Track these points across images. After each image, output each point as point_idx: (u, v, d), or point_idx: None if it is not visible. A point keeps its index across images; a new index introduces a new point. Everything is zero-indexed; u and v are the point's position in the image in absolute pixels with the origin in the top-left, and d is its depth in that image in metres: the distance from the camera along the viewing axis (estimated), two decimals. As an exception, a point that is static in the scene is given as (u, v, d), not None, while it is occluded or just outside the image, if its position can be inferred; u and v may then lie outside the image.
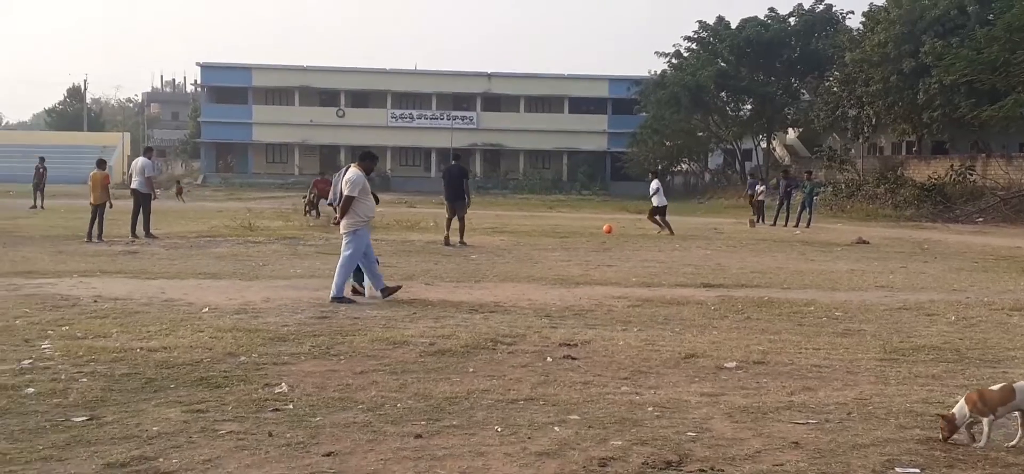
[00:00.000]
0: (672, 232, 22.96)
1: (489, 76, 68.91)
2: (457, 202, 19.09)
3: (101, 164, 19.67)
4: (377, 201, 11.12)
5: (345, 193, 10.49)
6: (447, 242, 18.49)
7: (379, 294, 10.61)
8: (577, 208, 42.00)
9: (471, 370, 6.88)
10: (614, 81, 68.42)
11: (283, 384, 6.23)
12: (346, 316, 9.27)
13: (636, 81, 62.10)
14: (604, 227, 24.67)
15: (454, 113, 67.53)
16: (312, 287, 11.56)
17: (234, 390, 6.05)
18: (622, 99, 65.67)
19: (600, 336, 8.41)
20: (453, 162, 20.81)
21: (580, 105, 69.23)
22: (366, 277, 10.80)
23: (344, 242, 10.64)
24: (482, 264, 15.13)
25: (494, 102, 69.25)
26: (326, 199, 27.81)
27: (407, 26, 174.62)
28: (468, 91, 68.68)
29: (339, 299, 10.24)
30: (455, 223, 19.11)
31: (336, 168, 59.51)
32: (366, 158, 11.05)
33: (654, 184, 24.09)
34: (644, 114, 59.96)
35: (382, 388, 6.24)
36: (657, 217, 23.61)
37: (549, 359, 7.36)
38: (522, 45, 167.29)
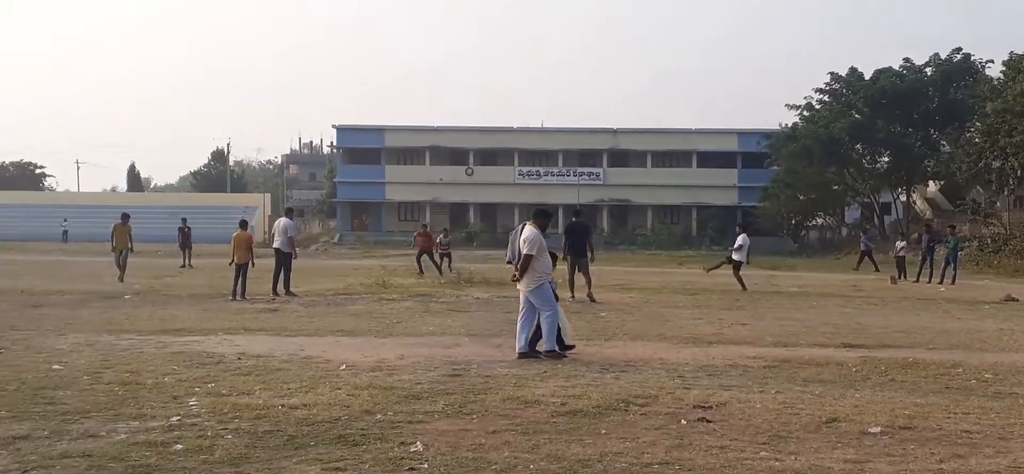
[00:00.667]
0: (744, 288, 22.28)
1: (615, 132, 69.04)
2: (581, 258, 19.14)
3: (243, 225, 20.46)
4: (554, 259, 11.11)
5: (524, 252, 10.56)
6: (572, 298, 18.44)
7: (519, 349, 10.65)
8: (705, 262, 41.36)
9: (603, 432, 6.82)
10: (743, 135, 67.56)
11: (418, 443, 6.30)
12: (478, 375, 9.33)
13: (766, 134, 61.09)
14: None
15: (581, 169, 67.81)
16: (444, 345, 11.71)
17: (371, 448, 6.16)
18: (752, 153, 64.66)
19: (736, 398, 8.22)
20: (575, 218, 20.87)
21: (708, 159, 68.53)
22: (519, 329, 10.82)
23: (532, 298, 10.62)
24: (612, 322, 15.04)
25: (621, 157, 69.24)
26: (430, 252, 28.29)
27: (534, 85, 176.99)
28: (594, 147, 68.91)
29: (552, 352, 10.42)
30: (580, 279, 19.12)
31: (463, 225, 59.83)
32: (540, 215, 11.12)
33: (740, 239, 23.64)
34: (775, 168, 58.88)
35: (515, 449, 6.24)
36: (735, 272, 23.22)
37: (683, 421, 7.23)
38: (648, 100, 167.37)
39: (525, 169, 68.62)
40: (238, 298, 18.48)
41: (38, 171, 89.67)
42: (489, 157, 69.53)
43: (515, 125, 71.78)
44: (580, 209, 22.97)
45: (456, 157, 69.42)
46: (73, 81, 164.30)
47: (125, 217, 25.59)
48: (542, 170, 68.81)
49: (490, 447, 6.27)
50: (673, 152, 69.29)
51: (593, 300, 18.45)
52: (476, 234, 62.52)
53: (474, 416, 7.29)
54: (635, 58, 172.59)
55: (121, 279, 22.80)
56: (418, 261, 28.56)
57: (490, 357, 10.64)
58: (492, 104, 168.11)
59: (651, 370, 9.85)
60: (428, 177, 68.37)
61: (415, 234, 29.33)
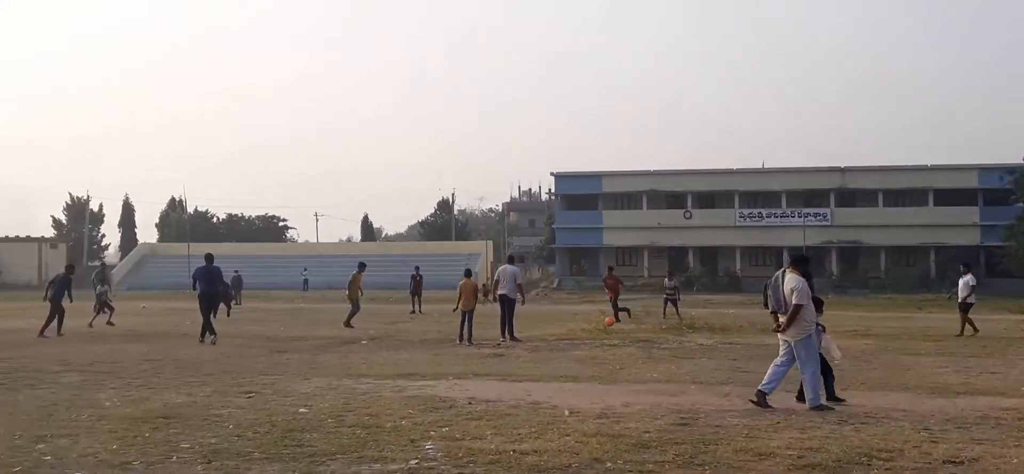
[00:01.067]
0: (975, 330, 21.58)
1: (843, 170, 66.34)
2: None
3: (468, 273, 21.20)
4: (820, 305, 10.85)
5: (794, 302, 10.30)
6: None
7: (758, 396, 10.38)
8: (949, 309, 38.87)
9: (845, 486, 6.50)
10: (985, 170, 63.10)
11: (651, 494, 6.23)
12: (707, 424, 9.13)
13: (1010, 169, 56.86)
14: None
15: (806, 210, 65.54)
16: (670, 392, 11.55)
17: (605, 498, 6.14)
18: (994, 189, 60.32)
19: (990, 453, 7.63)
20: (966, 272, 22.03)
21: (946, 197, 64.44)
22: (769, 372, 10.58)
23: (799, 350, 10.39)
24: (847, 371, 14.32)
25: (849, 197, 66.41)
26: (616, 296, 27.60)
27: (755, 124, 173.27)
28: (820, 187, 66.45)
29: (819, 406, 10.13)
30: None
31: (682, 269, 58.52)
32: (801, 262, 10.82)
33: (966, 278, 22.07)
34: (1021, 204, 54.71)
35: (751, 502, 6.05)
36: (965, 314, 21.76)
37: (933, 478, 6.80)
38: (877, 135, 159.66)
39: (746, 211, 67.11)
40: (465, 342, 19.12)
41: (281, 224, 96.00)
42: (708, 200, 68.52)
43: (734, 166, 70.36)
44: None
45: (674, 200, 68.87)
46: (313, 146, 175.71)
47: (362, 266, 26.96)
48: (764, 212, 67.06)
49: (725, 500, 6.11)
50: (907, 190, 65.73)
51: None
52: (696, 278, 61.59)
53: (706, 467, 7.14)
54: (862, 92, 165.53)
55: (348, 324, 23.94)
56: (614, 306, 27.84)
57: (719, 406, 10.40)
58: (710, 146, 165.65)
59: (893, 422, 9.31)
60: (646, 221, 68.15)
61: (604, 278, 28.89)
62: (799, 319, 10.28)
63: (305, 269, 66.90)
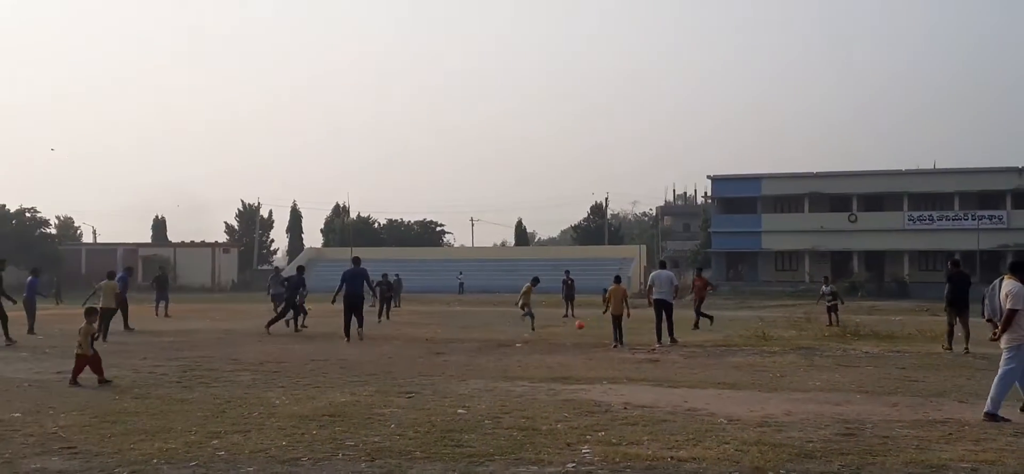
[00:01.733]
0: None
1: (1020, 171, 62.61)
2: (962, 310, 18.72)
3: (618, 279, 21.17)
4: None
5: (1007, 307, 9.94)
6: (949, 349, 18.18)
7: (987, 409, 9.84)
8: None
9: (1026, 504, 6.13)
10: None
11: (815, 505, 6.04)
12: (874, 434, 8.78)
13: None
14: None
15: (980, 213, 62.21)
16: (834, 401, 11.17)
17: (765, 507, 5.99)
18: None
19: None
20: (954, 268, 20.06)
21: None
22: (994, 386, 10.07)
23: (1005, 357, 10.01)
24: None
25: (1027, 198, 62.65)
26: (701, 300, 26.43)
27: (923, 124, 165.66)
28: (996, 188, 62.92)
29: (993, 416, 9.70)
30: (959, 332, 18.51)
31: (845, 274, 56.67)
32: (1018, 268, 10.40)
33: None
34: None
35: (923, 517, 5.79)
36: None
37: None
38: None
39: (915, 214, 64.24)
40: (617, 346, 19.08)
41: (438, 229, 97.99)
42: (874, 202, 65.93)
43: (903, 167, 67.48)
44: (958, 258, 21.90)
45: (837, 203, 66.59)
46: (469, 151, 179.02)
47: (535, 281, 27.30)
48: (936, 215, 64.03)
49: (894, 514, 5.86)
50: (1092, 190, 61.53)
51: (967, 352, 17.63)
52: (861, 284, 59.31)
53: (873, 479, 6.86)
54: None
55: (532, 329, 24.52)
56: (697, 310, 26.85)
57: (886, 416, 9.98)
58: (877, 146, 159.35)
59: (1078, 436, 8.72)
60: (807, 225, 66.16)
61: (693, 279, 27.77)
62: (1016, 324, 9.84)
63: (461, 273, 68.08)
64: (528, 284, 26.80)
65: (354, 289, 21.55)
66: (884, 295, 55.82)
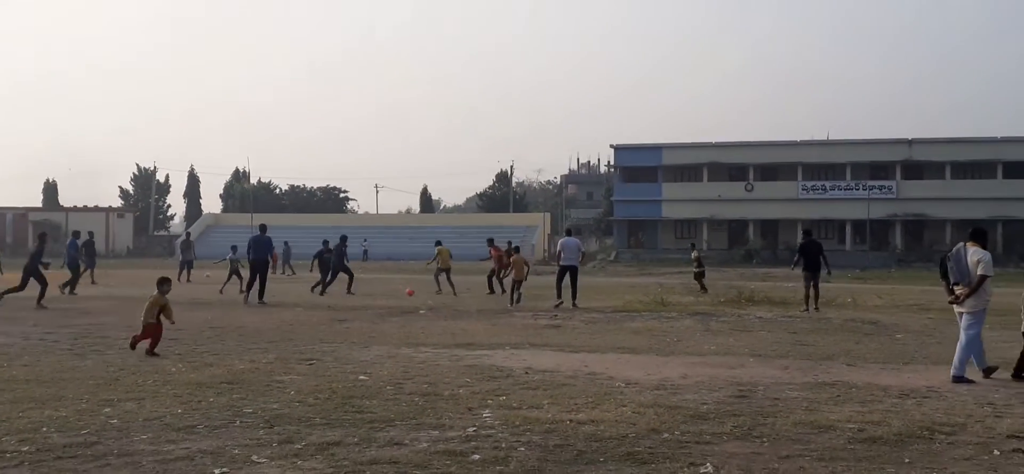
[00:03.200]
0: None
1: (910, 142, 65.04)
2: (815, 274, 20.90)
3: (517, 249, 23.69)
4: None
5: (980, 273, 10.31)
6: (806, 310, 20.22)
7: (982, 373, 10.39)
8: (1015, 282, 37.95)
9: (907, 461, 6.42)
10: (1056, 141, 61.45)
11: (708, 464, 6.20)
12: (765, 396, 9.06)
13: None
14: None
15: (871, 183, 64.46)
16: (728, 364, 11.47)
17: (660, 467, 6.13)
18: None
19: (1057, 429, 7.46)
20: (806, 236, 22.38)
21: (1016, 169, 62.89)
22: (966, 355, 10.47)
23: (967, 322, 10.43)
24: (909, 345, 14.15)
25: (915, 170, 65.12)
26: (499, 271, 26.92)
27: (816, 96, 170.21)
28: (886, 159, 65.28)
29: (960, 378, 10.09)
30: (812, 293, 20.59)
31: (741, 242, 58.33)
32: (979, 235, 10.73)
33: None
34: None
35: (809, 475, 6.01)
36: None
37: (996, 452, 6.70)
38: (944, 106, 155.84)
39: (809, 184, 66.19)
40: (512, 305, 20.91)
41: (342, 195, 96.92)
42: (770, 172, 67.68)
43: (798, 138, 69.32)
44: (810, 228, 25.00)
45: (735, 173, 68.17)
46: (371, 111, 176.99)
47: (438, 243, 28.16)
48: (828, 185, 66.09)
49: (784, 472, 6.07)
50: (976, 162, 64.29)
51: (818, 310, 20.15)
52: (756, 251, 60.96)
53: (764, 440, 7.08)
54: (929, 62, 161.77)
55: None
56: (490, 281, 26.59)
57: (777, 379, 10.31)
58: (772, 117, 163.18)
59: (956, 397, 9.16)
60: (706, 194, 67.59)
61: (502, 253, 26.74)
62: (982, 290, 10.35)
63: (365, 240, 67.51)
64: (440, 247, 27.72)
65: (260, 256, 22.56)
66: (778, 262, 57.42)
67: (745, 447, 6.82)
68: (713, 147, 68.95)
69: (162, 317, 12.44)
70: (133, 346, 12.23)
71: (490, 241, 28.34)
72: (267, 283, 22.73)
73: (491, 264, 26.98)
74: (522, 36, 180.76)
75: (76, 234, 26.21)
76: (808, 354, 12.71)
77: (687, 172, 70.22)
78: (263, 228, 23.69)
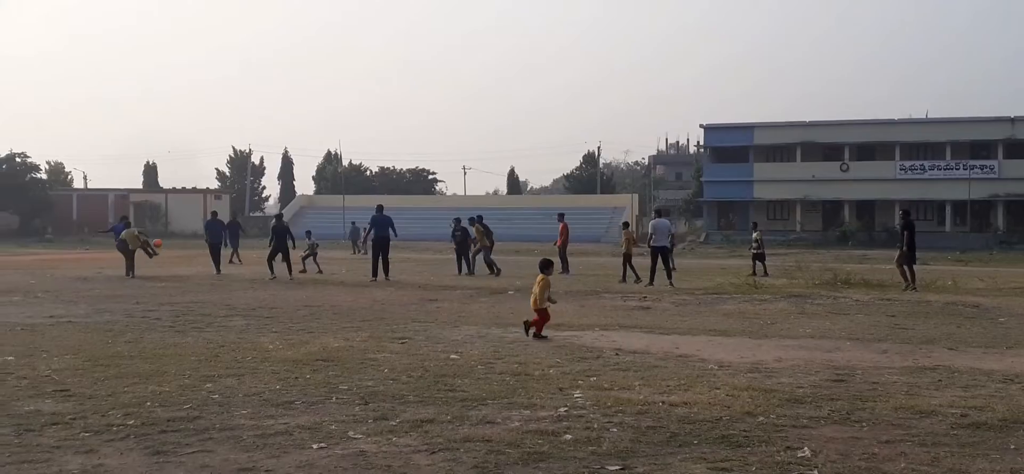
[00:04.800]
0: None
1: (1012, 120, 62.52)
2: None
3: (472, 220, 26.05)
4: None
5: None
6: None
7: None
8: None
9: (1012, 447, 6.20)
10: None
11: (805, 449, 6.09)
12: (863, 381, 8.84)
13: None
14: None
15: (972, 162, 62.21)
16: (824, 348, 11.23)
17: (756, 451, 6.04)
18: None
19: None
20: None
21: None
22: None
23: None
24: (1012, 329, 13.64)
25: (1018, 148, 62.59)
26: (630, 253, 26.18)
27: (916, 73, 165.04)
28: (988, 138, 62.83)
29: None
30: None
31: (837, 223, 57.28)
32: None
33: None
34: None
35: (911, 460, 5.84)
36: None
37: (1109, 441, 6.42)
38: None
39: (907, 163, 64.17)
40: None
41: (430, 177, 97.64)
42: (866, 151, 65.81)
43: (895, 117, 67.29)
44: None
45: (830, 152, 66.47)
46: (463, 92, 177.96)
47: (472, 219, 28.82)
48: (927, 164, 63.95)
49: (884, 457, 5.92)
50: (1083, 140, 61.52)
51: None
52: (852, 233, 59.49)
53: (863, 424, 6.92)
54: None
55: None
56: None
57: (876, 363, 10.05)
58: (869, 95, 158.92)
59: (1065, 383, 8.81)
60: (799, 174, 66.04)
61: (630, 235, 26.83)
62: None
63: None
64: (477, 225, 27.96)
65: (382, 233, 23.50)
66: (875, 244, 56.00)
67: (843, 432, 6.68)
68: (807, 126, 67.36)
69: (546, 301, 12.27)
70: (527, 331, 11.98)
71: (625, 224, 28.40)
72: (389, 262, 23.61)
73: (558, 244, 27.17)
74: (609, 17, 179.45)
75: (124, 219, 27.24)
76: (907, 338, 12.37)
77: (779, 152, 68.78)
78: (380, 208, 24.45)
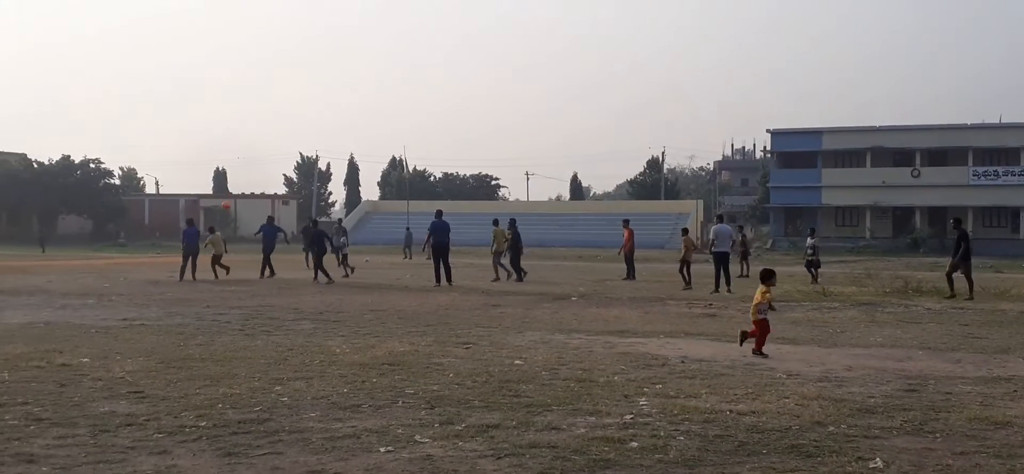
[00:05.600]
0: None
1: (1091, 124, 60.70)
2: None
3: (685, 232, 24.15)
4: None
5: None
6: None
7: None
8: None
9: (1093, 461, 6.01)
10: None
11: (877, 459, 5.97)
12: (936, 391, 8.65)
13: None
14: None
15: (1048, 168, 60.50)
16: (895, 357, 11.01)
17: (826, 461, 5.93)
18: None
19: None
20: (959, 224, 22.22)
21: None
22: None
23: None
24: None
25: (1097, 154, 60.75)
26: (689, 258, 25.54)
27: (989, 77, 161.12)
28: (1064, 142, 61.11)
29: None
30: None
31: (907, 230, 56.19)
32: None
33: None
34: None
35: (986, 473, 5.70)
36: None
37: None
38: None
39: (980, 169, 62.61)
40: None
41: (494, 183, 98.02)
42: (938, 157, 64.35)
43: (969, 122, 65.68)
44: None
45: (900, 158, 65.16)
46: (521, 104, 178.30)
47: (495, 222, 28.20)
48: (1001, 170, 62.37)
49: (958, 470, 5.78)
50: None
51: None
52: (923, 240, 58.23)
53: (937, 435, 6.77)
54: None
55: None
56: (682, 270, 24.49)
57: (949, 373, 9.82)
58: (941, 99, 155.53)
59: None
60: (869, 180, 64.85)
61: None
62: None
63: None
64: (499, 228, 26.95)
65: (441, 239, 23.55)
66: (946, 251, 54.72)
67: (916, 442, 6.53)
68: (876, 131, 66.15)
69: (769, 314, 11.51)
70: (742, 342, 11.38)
71: (684, 230, 27.28)
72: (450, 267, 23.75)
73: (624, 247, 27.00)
74: (674, 22, 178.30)
75: (189, 222, 28.05)
76: (981, 347, 12.07)
77: (848, 157, 67.58)
78: (439, 213, 24.58)
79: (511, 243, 26.24)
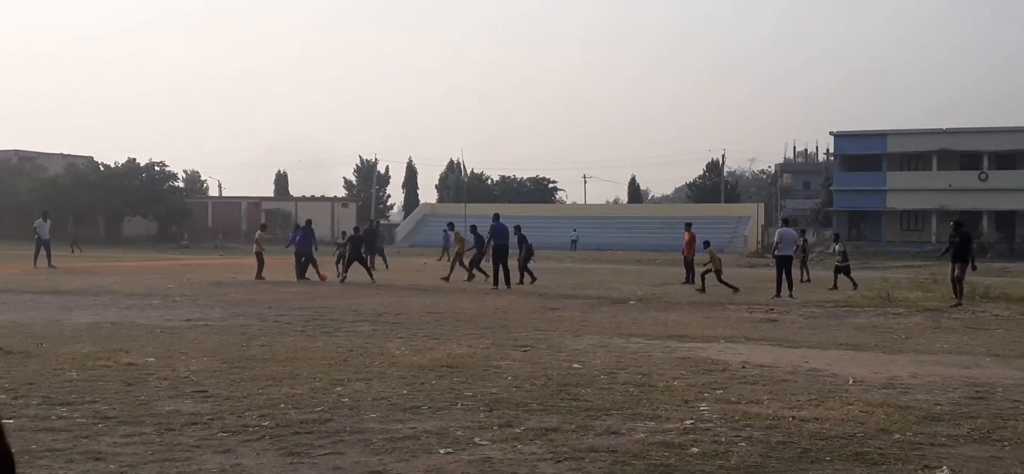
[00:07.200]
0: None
1: None
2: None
3: (707, 244, 24.57)
4: None
5: None
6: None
7: None
8: None
9: None
10: None
11: (944, 468, 5.85)
12: (1005, 398, 8.45)
13: None
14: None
15: (1120, 171, 58.74)
16: (962, 364, 10.77)
17: (892, 469, 5.83)
18: None
19: None
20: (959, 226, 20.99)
21: None
22: None
23: None
24: None
25: None
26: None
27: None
28: None
29: None
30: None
31: (975, 235, 55.18)
32: None
33: None
34: None
35: (1059, 485, 5.56)
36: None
37: None
38: None
39: (1051, 172, 61.00)
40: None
41: (551, 186, 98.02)
42: (1007, 160, 62.82)
43: (1038, 123, 64.03)
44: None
45: (967, 161, 63.72)
46: (582, 108, 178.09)
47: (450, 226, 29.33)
48: (1072, 173, 60.70)
49: (1031, 481, 5.64)
50: None
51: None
52: (990, 245, 56.88)
53: (1005, 444, 6.61)
54: None
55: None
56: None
57: (1018, 380, 9.58)
58: (1011, 101, 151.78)
59: None
60: (935, 183, 63.51)
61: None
62: None
63: (574, 230, 67.94)
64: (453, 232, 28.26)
65: (502, 242, 23.64)
66: (1015, 256, 53.47)
67: (984, 450, 6.39)
68: (943, 134, 64.78)
69: None
70: None
71: (706, 243, 27.12)
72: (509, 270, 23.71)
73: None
74: (735, 23, 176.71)
75: (296, 227, 28.75)
76: (1052, 357, 11.76)
77: (914, 160, 66.29)
78: (496, 217, 24.84)
79: (520, 246, 26.47)
